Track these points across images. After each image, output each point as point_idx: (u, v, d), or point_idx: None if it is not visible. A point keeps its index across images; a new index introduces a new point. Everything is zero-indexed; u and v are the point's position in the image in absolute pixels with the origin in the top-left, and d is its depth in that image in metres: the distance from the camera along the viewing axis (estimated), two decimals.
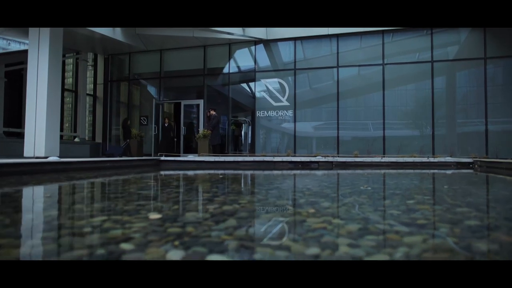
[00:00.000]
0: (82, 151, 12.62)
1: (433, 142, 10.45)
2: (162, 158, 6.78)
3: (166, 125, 12.39)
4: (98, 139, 13.85)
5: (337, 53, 11.26)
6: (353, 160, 6.82)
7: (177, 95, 13.93)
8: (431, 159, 7.02)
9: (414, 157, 9.80)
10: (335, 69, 11.28)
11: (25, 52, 11.94)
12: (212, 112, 11.02)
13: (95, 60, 13.92)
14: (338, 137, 11.20)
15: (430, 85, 10.55)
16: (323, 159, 6.73)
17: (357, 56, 11.36)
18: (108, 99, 13.60)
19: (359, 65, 11.29)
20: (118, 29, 11.01)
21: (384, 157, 8.21)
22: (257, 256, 1.21)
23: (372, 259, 1.13)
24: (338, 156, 8.75)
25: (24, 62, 11.21)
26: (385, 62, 10.91)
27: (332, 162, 6.69)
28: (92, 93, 13.93)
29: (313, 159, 6.84)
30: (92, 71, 13.97)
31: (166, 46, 12.48)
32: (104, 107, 13.67)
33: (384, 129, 10.80)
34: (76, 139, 12.93)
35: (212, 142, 10.69)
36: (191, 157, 6.74)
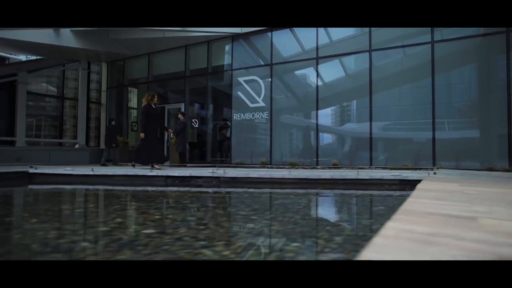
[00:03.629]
0: (81, 158, 13.00)
1: (434, 148, 7.97)
2: (31, 170, 6.02)
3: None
4: (103, 145, 14.17)
5: (317, 44, 9.42)
6: (246, 176, 5.32)
7: (165, 99, 13.44)
8: (361, 175, 5.09)
9: (404, 168, 7.60)
10: (314, 61, 9.47)
11: (17, 63, 12.80)
12: (180, 117, 10.18)
13: (100, 67, 14.28)
14: (317, 143, 9.39)
15: (430, 72, 8.07)
16: (209, 173, 5.37)
17: (342, 44, 9.37)
18: (107, 105, 13.79)
19: (343, 54, 9.29)
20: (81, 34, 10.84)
21: (292, 170, 6.33)
22: None
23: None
24: (232, 168, 7.18)
25: (17, 74, 11.99)
26: (373, 48, 8.74)
27: (219, 177, 5.30)
28: (97, 101, 14.32)
29: (194, 173, 5.53)
30: (98, 78, 14.37)
31: (150, 49, 12.07)
32: (106, 113, 13.91)
33: (371, 133, 8.65)
34: (76, 146, 13.37)
35: (176, 149, 9.87)
36: (69, 169, 5.97)
